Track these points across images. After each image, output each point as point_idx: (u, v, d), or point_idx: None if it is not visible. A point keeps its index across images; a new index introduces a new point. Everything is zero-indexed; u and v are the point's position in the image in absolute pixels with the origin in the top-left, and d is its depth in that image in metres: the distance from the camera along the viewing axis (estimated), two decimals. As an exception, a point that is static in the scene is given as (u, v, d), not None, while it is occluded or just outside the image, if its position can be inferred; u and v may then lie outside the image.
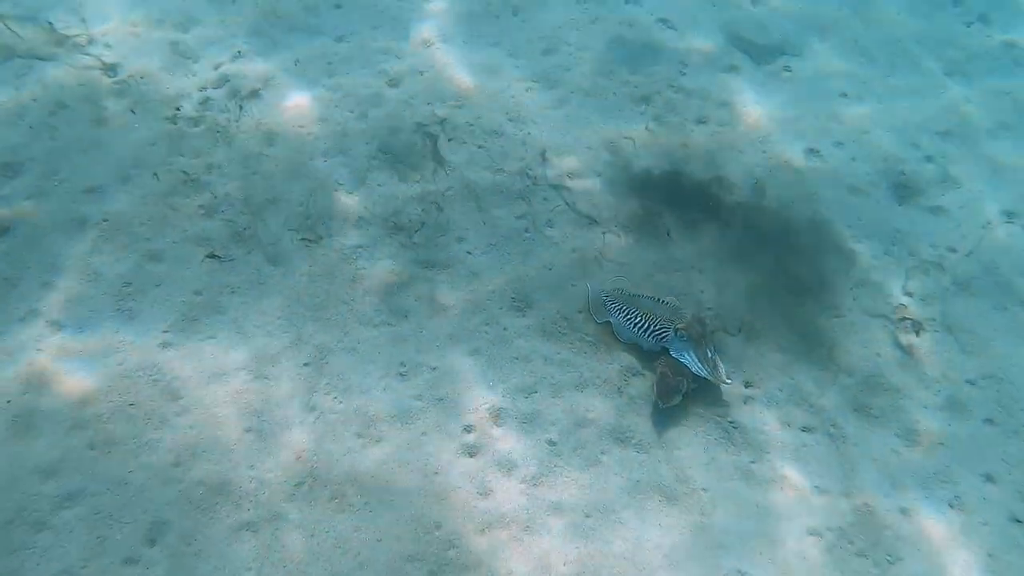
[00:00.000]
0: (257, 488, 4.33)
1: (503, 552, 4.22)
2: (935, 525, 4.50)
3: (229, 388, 4.62)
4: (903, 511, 4.56)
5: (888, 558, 4.41)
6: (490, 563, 4.19)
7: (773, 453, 4.70)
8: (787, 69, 6.46)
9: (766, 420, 4.81)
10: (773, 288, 5.26)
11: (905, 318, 5.20)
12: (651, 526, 4.38)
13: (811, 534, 4.46)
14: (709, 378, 4.68)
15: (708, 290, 5.22)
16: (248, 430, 4.50)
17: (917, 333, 5.15)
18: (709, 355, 4.75)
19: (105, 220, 5.19)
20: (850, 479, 4.64)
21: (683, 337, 4.75)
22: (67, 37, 5.95)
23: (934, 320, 5.25)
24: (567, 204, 5.48)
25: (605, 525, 4.36)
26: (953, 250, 5.61)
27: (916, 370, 5.07)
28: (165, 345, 4.74)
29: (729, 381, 4.72)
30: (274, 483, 4.35)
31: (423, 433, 4.56)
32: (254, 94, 5.84)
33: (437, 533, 4.26)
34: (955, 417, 4.89)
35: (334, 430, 4.54)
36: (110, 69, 5.86)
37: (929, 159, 6.08)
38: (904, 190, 5.90)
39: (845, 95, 6.38)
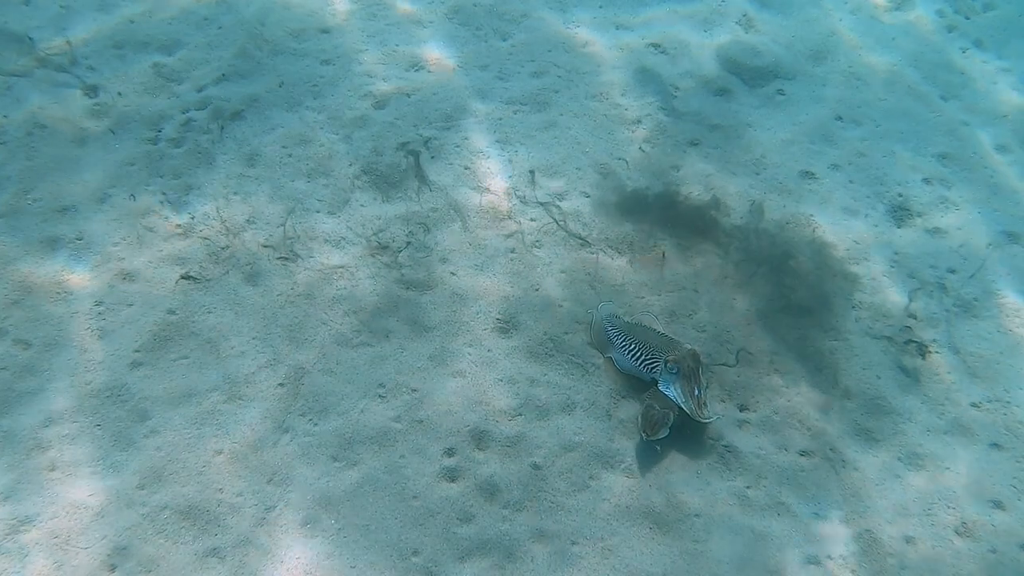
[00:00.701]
0: (226, 512, 4.11)
1: (484, 581, 3.99)
2: (942, 553, 4.25)
3: (200, 409, 4.43)
4: (907, 539, 4.32)
5: (895, 585, 4.17)
6: (470, 593, 3.95)
7: (770, 478, 4.47)
8: (781, 93, 6.37)
9: (762, 444, 4.59)
10: (771, 310, 5.08)
11: (910, 340, 5.00)
12: (641, 554, 4.14)
13: (810, 563, 4.21)
14: (691, 415, 4.45)
15: (703, 312, 5.04)
16: (219, 452, 4.30)
17: (922, 356, 4.95)
18: (697, 392, 4.49)
19: (79, 239, 5.05)
20: (851, 505, 4.41)
21: (672, 370, 4.50)
22: (49, 56, 5.88)
23: (937, 342, 5.06)
24: (557, 223, 5.34)
25: (592, 553, 4.12)
26: (953, 271, 5.44)
27: (919, 393, 4.86)
28: (135, 365, 4.57)
29: (712, 418, 4.46)
30: (244, 507, 4.13)
31: (401, 456, 4.35)
32: (237, 115, 5.74)
33: (415, 560, 4.02)
34: (960, 441, 4.67)
35: (308, 453, 4.33)
36: (91, 90, 5.78)
37: (927, 181, 5.94)
38: (902, 212, 5.76)
39: (840, 118, 6.27)
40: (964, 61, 6.77)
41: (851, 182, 5.89)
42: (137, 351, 4.61)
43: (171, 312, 4.79)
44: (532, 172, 5.60)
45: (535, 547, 4.11)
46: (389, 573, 3.97)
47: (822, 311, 5.10)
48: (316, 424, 4.43)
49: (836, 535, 4.31)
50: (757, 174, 5.82)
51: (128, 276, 4.91)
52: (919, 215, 5.77)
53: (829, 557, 4.23)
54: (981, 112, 6.43)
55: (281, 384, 4.56)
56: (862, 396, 4.80)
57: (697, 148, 5.94)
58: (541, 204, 5.45)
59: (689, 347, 4.61)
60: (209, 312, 4.81)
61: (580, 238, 5.31)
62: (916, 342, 4.99)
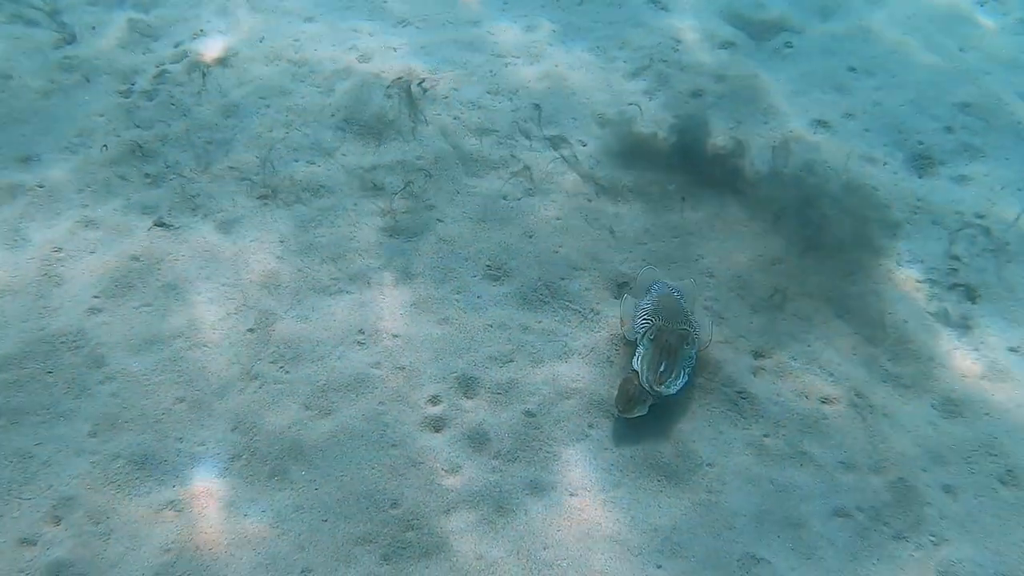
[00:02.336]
0: (185, 462, 3.70)
1: (472, 534, 3.55)
2: (986, 503, 3.79)
3: (162, 356, 4.05)
4: (947, 488, 3.87)
5: (932, 539, 3.70)
6: (456, 546, 3.51)
7: (789, 426, 4.04)
8: (789, 45, 6.03)
9: (779, 391, 4.16)
10: (793, 254, 4.68)
11: (955, 284, 4.60)
12: (648, 506, 3.70)
13: (838, 515, 3.76)
14: (641, 380, 3.91)
15: (721, 256, 4.66)
16: (180, 400, 3.91)
17: (971, 300, 4.55)
18: (662, 367, 3.94)
19: (40, 186, 4.71)
20: (881, 453, 3.96)
21: (651, 336, 4.04)
22: (27, 8, 5.62)
23: (971, 286, 4.64)
24: (567, 161, 4.99)
25: (593, 505, 3.69)
26: (981, 216, 5.04)
27: (950, 338, 4.43)
28: (93, 311, 4.20)
29: (660, 391, 3.90)
30: (205, 456, 3.73)
31: (380, 403, 3.94)
32: (213, 67, 5.44)
33: (393, 512, 3.60)
34: (998, 386, 4.23)
35: (278, 401, 3.93)
36: (64, 42, 5.51)
37: (949, 130, 5.56)
38: (923, 160, 5.37)
39: (853, 69, 5.92)
40: (982, 14, 6.43)
41: (867, 131, 5.52)
42: (96, 297, 4.25)
43: (135, 259, 4.43)
44: (538, 106, 5.26)
45: (529, 500, 3.68)
46: (365, 527, 3.55)
47: (853, 254, 4.70)
48: (288, 372, 4.04)
49: (866, 485, 3.86)
50: (765, 123, 5.47)
51: (91, 223, 4.56)
52: (942, 163, 5.38)
53: (859, 508, 3.79)
54: (1003, 62, 6.07)
55: (251, 330, 4.17)
56: (891, 341, 4.38)
57: (700, 98, 5.59)
58: (547, 139, 5.10)
59: (686, 329, 4.08)
60: (176, 260, 4.45)
61: (591, 179, 4.94)
62: (963, 286, 4.58)
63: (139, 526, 3.51)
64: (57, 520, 3.50)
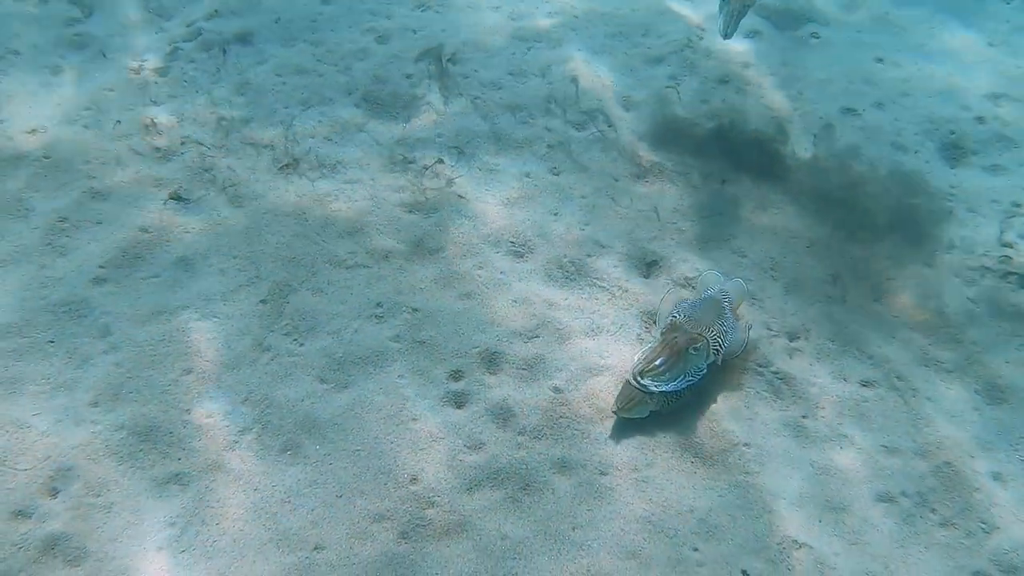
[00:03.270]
0: (191, 435, 3.49)
1: (496, 513, 3.34)
2: (1040, 489, 3.58)
3: (170, 326, 3.85)
4: (996, 476, 3.66)
5: (983, 527, 3.49)
6: (479, 524, 3.30)
7: (828, 408, 3.84)
8: (815, 36, 5.91)
9: (817, 373, 3.97)
10: (833, 238, 4.52)
11: (1009, 272, 4.43)
12: (682, 487, 3.49)
13: (882, 500, 3.55)
14: (632, 369, 3.67)
15: (753, 237, 4.49)
16: (187, 371, 3.71)
17: (1016, 288, 4.39)
18: (657, 362, 3.63)
19: (46, 157, 4.55)
20: (925, 437, 3.76)
21: (661, 332, 3.81)
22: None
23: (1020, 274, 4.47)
24: (602, 133, 4.86)
25: (625, 484, 3.47)
26: (1018, 205, 4.87)
27: (990, 324, 4.24)
28: (99, 281, 4.01)
29: (642, 382, 3.60)
30: (213, 430, 3.52)
31: (400, 376, 3.74)
32: (227, 46, 5.30)
33: (412, 488, 3.38)
34: (1047, 372, 4.04)
35: (291, 373, 3.73)
36: (74, 20, 5.38)
37: (980, 120, 5.41)
38: (955, 150, 5.22)
39: (880, 60, 5.79)
40: (1010, 9, 6.31)
41: (896, 120, 5.36)
42: (102, 267, 4.06)
43: (144, 230, 4.25)
44: (576, 80, 5.15)
45: (557, 478, 3.47)
46: (383, 503, 3.33)
47: (897, 239, 4.54)
48: (302, 344, 3.84)
49: (911, 470, 3.65)
50: (795, 110, 5.31)
51: (99, 195, 4.39)
52: (974, 153, 5.23)
53: (904, 494, 3.57)
54: (1032, 56, 5.94)
55: (263, 301, 3.98)
56: (931, 324, 4.19)
57: (727, 85, 5.44)
58: (585, 114, 4.97)
59: (700, 336, 3.72)
60: (187, 232, 4.27)
61: (619, 158, 4.79)
62: (1017, 273, 4.41)
63: (142, 499, 3.29)
64: (54, 492, 3.28)
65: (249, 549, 3.18)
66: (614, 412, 3.66)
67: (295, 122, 4.86)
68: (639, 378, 3.61)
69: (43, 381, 3.63)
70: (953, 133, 5.32)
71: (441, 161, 4.70)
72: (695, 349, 3.68)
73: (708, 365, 3.73)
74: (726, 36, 4.68)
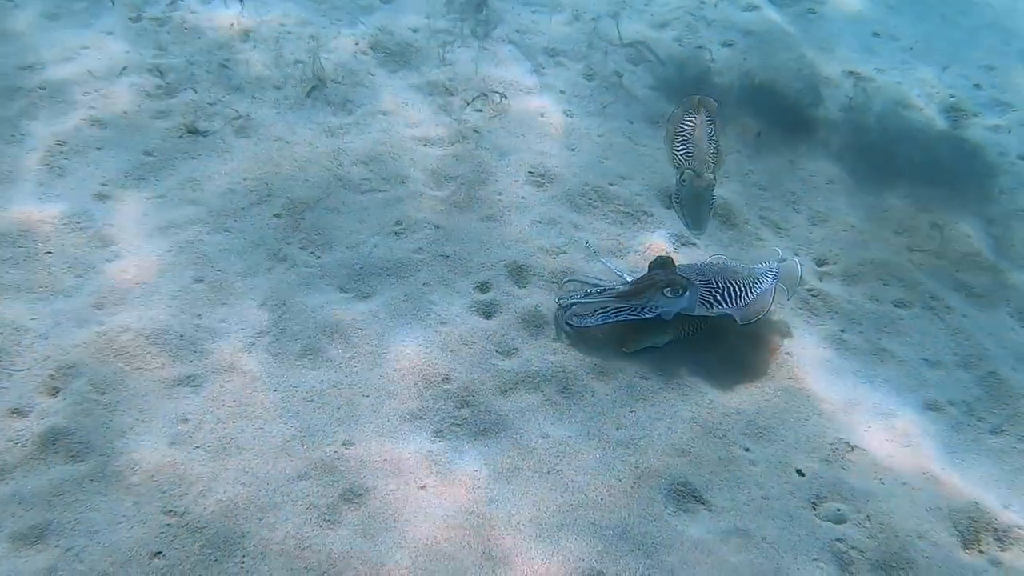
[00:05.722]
0: (204, 337, 3.25)
1: (535, 414, 3.13)
2: (1087, 396, 3.48)
3: (178, 239, 3.64)
4: (1041, 387, 3.56)
5: (1035, 432, 3.37)
6: (518, 425, 3.08)
7: (865, 324, 3.73)
8: (811, 11, 6.00)
9: (851, 293, 3.87)
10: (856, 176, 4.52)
11: None
12: (727, 390, 3.33)
13: (930, 408, 3.42)
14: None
15: (772, 173, 4.44)
16: (199, 280, 3.48)
17: None
18: (630, 302, 3.39)
19: (42, 88, 4.35)
20: (966, 350, 3.66)
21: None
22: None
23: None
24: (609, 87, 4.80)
25: (666, 388, 3.30)
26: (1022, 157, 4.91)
27: (1014, 254, 4.21)
28: (101, 197, 3.79)
29: (560, 302, 3.49)
30: (228, 333, 3.28)
31: (425, 284, 3.55)
32: (230, -2, 5.21)
33: (445, 387, 3.17)
34: (1078, 296, 3.99)
35: (309, 283, 3.52)
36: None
37: (977, 87, 5.50)
38: (956, 112, 5.27)
39: (877, 34, 5.89)
40: (991, -2, 6.53)
41: (899, 83, 5.42)
42: (104, 185, 3.85)
43: (148, 154, 4.06)
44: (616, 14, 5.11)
45: (595, 382, 3.28)
46: (414, 403, 3.11)
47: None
48: (319, 256, 3.65)
49: (956, 381, 3.54)
50: (799, 70, 5.34)
51: (98, 123, 4.19)
52: (975, 115, 5.29)
53: (951, 403, 3.45)
54: (1019, 35, 6.10)
55: (278, 215, 3.79)
56: (956, 253, 4.14)
57: (732, 48, 5.47)
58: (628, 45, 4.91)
59: (687, 278, 3.37)
60: (193, 158, 4.08)
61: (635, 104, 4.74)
62: None
63: (151, 399, 3.02)
64: (54, 391, 3.01)
65: (271, 446, 2.92)
66: (624, 350, 3.44)
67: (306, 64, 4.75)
68: (560, 299, 3.47)
69: (41, 289, 3.37)
70: (953, 98, 5.39)
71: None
72: (671, 292, 3.36)
73: (698, 318, 3.43)
74: (698, 230, 3.67)
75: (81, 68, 4.49)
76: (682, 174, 3.57)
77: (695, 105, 3.78)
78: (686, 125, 3.72)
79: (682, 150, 3.65)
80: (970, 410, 3.44)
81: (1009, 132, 5.15)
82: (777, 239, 4.07)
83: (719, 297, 3.42)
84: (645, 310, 3.37)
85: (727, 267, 3.61)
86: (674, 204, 3.62)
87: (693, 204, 3.53)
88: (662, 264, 3.46)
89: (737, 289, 3.47)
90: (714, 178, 3.57)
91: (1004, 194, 4.62)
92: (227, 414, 3.01)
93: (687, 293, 3.34)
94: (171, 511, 2.70)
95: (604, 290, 3.47)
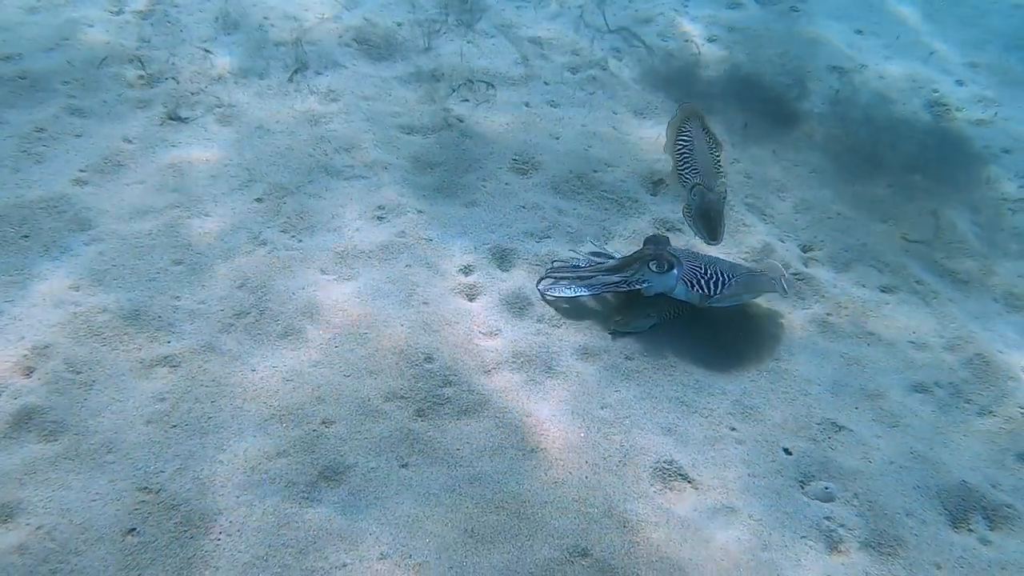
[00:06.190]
0: (183, 318, 3.20)
1: (519, 393, 3.09)
2: (1073, 377, 3.47)
3: (157, 222, 3.59)
4: (1027, 370, 3.55)
5: (1021, 411, 3.34)
6: (500, 403, 3.04)
7: (851, 308, 3.71)
8: (795, 9, 6.03)
9: (836, 279, 3.85)
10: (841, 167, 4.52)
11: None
12: (712, 370, 3.30)
13: (917, 390, 3.39)
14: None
15: (757, 163, 4.43)
16: (177, 262, 3.43)
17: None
18: (616, 276, 3.44)
19: (22, 78, 4.30)
20: (952, 333, 3.64)
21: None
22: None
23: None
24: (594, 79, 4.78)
25: (651, 368, 3.27)
26: (1008, 151, 4.92)
27: (999, 242, 4.21)
28: (79, 183, 3.74)
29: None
30: (206, 313, 3.23)
31: (407, 266, 3.51)
32: (211, -9, 5.18)
33: (428, 367, 3.12)
34: (1062, 281, 3.98)
35: (290, 266, 3.48)
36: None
37: (960, 83, 5.53)
38: (939, 107, 5.29)
39: (860, 32, 5.92)
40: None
41: (882, 78, 5.44)
42: (83, 171, 3.80)
43: (127, 140, 4.01)
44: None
45: (580, 363, 3.24)
46: (395, 382, 3.06)
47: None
48: (300, 240, 3.60)
49: (942, 363, 3.51)
50: (783, 64, 5.35)
51: (78, 111, 4.15)
52: (958, 110, 5.31)
53: (938, 384, 3.42)
54: (1000, 34, 6.14)
55: (259, 200, 3.75)
56: (944, 241, 4.14)
57: (716, 43, 5.48)
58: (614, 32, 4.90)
59: (674, 256, 3.42)
60: (173, 146, 4.04)
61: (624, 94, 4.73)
62: None
63: (127, 379, 2.97)
64: (28, 371, 2.94)
65: (249, 424, 2.87)
66: (612, 329, 3.42)
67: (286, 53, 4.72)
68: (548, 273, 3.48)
69: (16, 272, 3.31)
70: (936, 93, 5.42)
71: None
72: (656, 266, 3.38)
73: (679, 302, 3.44)
74: (715, 240, 3.55)
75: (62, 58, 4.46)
76: (692, 189, 3.55)
77: (689, 115, 3.76)
78: (685, 138, 3.70)
79: (686, 166, 3.63)
80: (957, 392, 3.42)
81: (993, 126, 5.17)
82: (763, 225, 4.05)
83: (702, 281, 3.39)
84: (631, 283, 3.35)
85: (717, 259, 3.58)
86: (686, 218, 3.60)
87: (707, 217, 3.51)
88: (655, 241, 3.46)
89: (721, 276, 3.44)
90: (724, 191, 3.56)
91: (988, 184, 4.63)
92: (205, 393, 2.95)
93: (672, 271, 3.32)
94: (146, 488, 2.64)
95: (593, 264, 3.45)
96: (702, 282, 3.37)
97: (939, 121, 5.19)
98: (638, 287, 3.36)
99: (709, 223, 3.51)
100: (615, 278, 3.38)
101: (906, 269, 3.93)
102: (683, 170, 3.62)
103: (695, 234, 3.57)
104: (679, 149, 3.68)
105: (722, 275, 3.42)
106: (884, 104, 5.12)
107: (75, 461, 2.69)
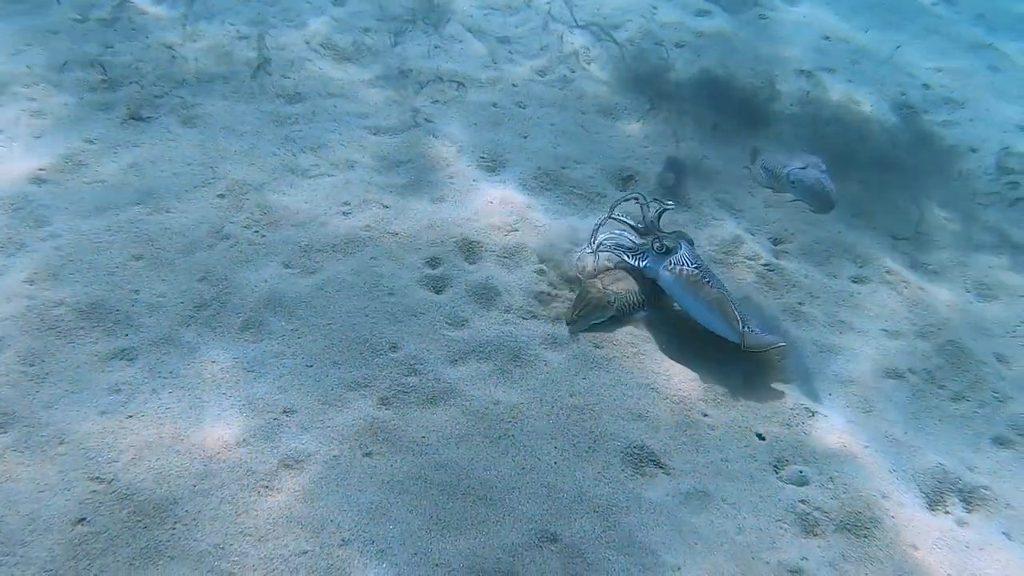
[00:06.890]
0: (141, 312, 3.11)
1: (485, 382, 3.02)
2: (1046, 360, 3.45)
3: (117, 219, 3.51)
4: (1000, 357, 3.52)
5: (995, 396, 3.32)
6: (468, 391, 2.97)
7: (824, 297, 3.68)
8: (763, 17, 6.09)
9: (806, 270, 3.83)
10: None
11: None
12: (681, 358, 3.24)
13: (890, 377, 3.36)
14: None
15: (727, 161, 4.44)
16: (137, 257, 3.35)
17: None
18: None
19: (-19, 79, 4.24)
20: (924, 320, 3.62)
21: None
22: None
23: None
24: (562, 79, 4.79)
25: (621, 356, 3.21)
26: (975, 150, 4.96)
27: (968, 236, 4.22)
28: (37, 181, 3.66)
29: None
30: (166, 306, 3.15)
31: (372, 259, 3.45)
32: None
33: (392, 355, 3.06)
34: (1031, 270, 3.99)
35: (253, 260, 3.41)
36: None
37: (926, 87, 5.59)
38: (907, 109, 5.34)
39: (827, 38, 5.98)
40: (934, 9, 6.67)
41: (850, 82, 5.49)
42: (42, 169, 3.72)
43: (89, 141, 3.94)
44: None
45: (549, 353, 3.18)
46: (359, 371, 2.99)
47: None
48: (264, 235, 3.54)
49: (916, 349, 3.49)
50: (752, 69, 5.38)
51: (39, 113, 4.08)
52: (925, 112, 5.36)
53: (911, 371, 3.40)
54: (963, 42, 6.23)
55: (221, 196, 3.68)
56: (914, 235, 4.14)
57: (685, 48, 5.51)
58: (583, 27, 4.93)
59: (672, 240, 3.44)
60: (135, 146, 3.98)
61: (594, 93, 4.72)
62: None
63: (83, 371, 2.88)
64: (-22, 364, 2.85)
65: (208, 414, 2.78)
66: (568, 324, 3.31)
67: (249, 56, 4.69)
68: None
69: (-32, 266, 3.22)
70: (903, 95, 5.46)
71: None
72: (658, 247, 3.42)
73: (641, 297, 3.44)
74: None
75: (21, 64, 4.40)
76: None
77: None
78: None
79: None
80: (931, 378, 3.39)
81: (958, 127, 5.21)
82: (733, 220, 4.03)
83: (682, 271, 3.33)
84: (640, 256, 3.43)
85: (715, 275, 3.50)
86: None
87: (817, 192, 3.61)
88: (680, 235, 3.46)
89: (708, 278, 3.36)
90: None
91: (956, 181, 4.65)
92: (162, 385, 2.86)
93: (664, 259, 3.31)
94: (98, 478, 2.55)
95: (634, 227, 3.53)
96: (684, 271, 3.31)
97: (906, 123, 5.23)
98: (642, 265, 3.41)
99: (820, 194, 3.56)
100: (638, 245, 3.46)
101: (876, 260, 3.92)
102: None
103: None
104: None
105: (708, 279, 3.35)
106: (851, 107, 5.16)
107: (24, 453, 2.59)
